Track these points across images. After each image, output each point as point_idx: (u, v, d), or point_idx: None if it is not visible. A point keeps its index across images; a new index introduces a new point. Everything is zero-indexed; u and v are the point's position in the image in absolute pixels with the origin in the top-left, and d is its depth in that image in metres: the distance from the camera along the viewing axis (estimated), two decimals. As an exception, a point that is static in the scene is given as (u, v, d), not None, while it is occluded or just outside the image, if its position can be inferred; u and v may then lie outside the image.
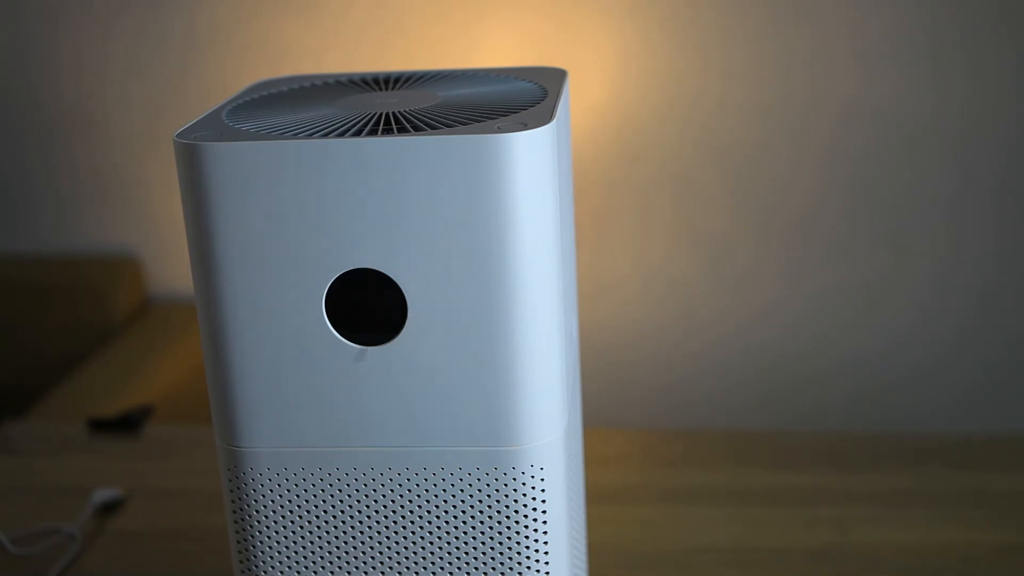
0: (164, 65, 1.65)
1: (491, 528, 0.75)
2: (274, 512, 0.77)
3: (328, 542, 0.77)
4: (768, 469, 1.25)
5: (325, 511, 0.76)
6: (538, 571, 0.76)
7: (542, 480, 0.74)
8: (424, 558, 0.76)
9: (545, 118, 0.70)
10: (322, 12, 1.58)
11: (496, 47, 1.56)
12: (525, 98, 0.78)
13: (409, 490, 0.75)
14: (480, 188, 0.67)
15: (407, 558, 0.76)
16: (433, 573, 0.77)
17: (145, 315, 1.98)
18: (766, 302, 1.64)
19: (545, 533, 0.75)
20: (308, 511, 0.76)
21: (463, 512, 0.75)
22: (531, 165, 0.68)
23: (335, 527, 0.76)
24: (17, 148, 1.74)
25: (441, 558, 0.76)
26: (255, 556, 0.78)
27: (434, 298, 0.70)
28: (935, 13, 1.50)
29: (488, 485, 0.74)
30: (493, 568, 0.76)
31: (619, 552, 1.09)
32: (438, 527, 0.75)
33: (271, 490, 0.76)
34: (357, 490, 0.75)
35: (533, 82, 0.83)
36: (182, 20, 1.63)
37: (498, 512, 0.74)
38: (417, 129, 0.69)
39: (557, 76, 0.85)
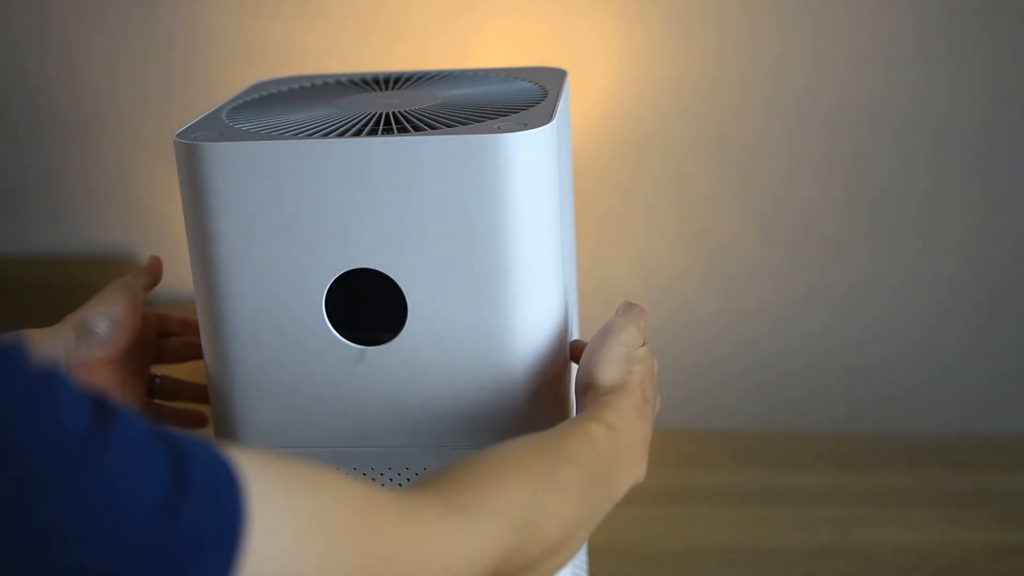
0: (165, 65, 1.65)
1: (491, 528, 0.75)
2: (274, 512, 0.77)
3: (328, 542, 0.77)
4: (768, 469, 1.25)
5: (325, 511, 0.76)
6: (538, 571, 0.76)
7: (542, 480, 0.74)
8: (424, 558, 0.76)
9: (545, 118, 0.70)
10: (322, 12, 1.58)
11: (496, 47, 1.56)
12: (525, 98, 0.77)
13: (409, 490, 0.75)
14: (480, 188, 0.67)
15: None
16: (433, 573, 0.77)
17: (145, 315, 1.96)
18: (766, 300, 1.64)
19: (545, 533, 0.75)
20: (308, 511, 0.76)
21: (463, 512, 0.74)
22: (531, 165, 0.68)
23: (335, 527, 0.76)
24: (17, 148, 1.74)
25: (441, 558, 0.76)
26: (255, 556, 0.78)
27: (434, 298, 0.70)
28: (939, 9, 1.51)
29: (488, 485, 0.73)
30: (493, 568, 0.76)
31: (619, 552, 1.09)
32: (438, 527, 0.75)
33: (271, 490, 0.76)
34: (357, 490, 0.75)
35: (533, 82, 0.83)
36: (182, 20, 1.63)
37: (498, 512, 0.74)
38: (417, 129, 0.69)
39: (557, 76, 0.85)
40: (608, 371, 0.70)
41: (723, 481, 1.22)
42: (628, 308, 0.74)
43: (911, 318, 1.63)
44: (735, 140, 1.57)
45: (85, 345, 0.75)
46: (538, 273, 0.70)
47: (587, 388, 0.70)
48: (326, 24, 1.58)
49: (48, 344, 0.74)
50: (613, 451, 0.65)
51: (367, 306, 0.72)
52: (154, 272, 0.83)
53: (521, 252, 0.69)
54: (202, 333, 0.74)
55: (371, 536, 0.49)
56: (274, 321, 0.71)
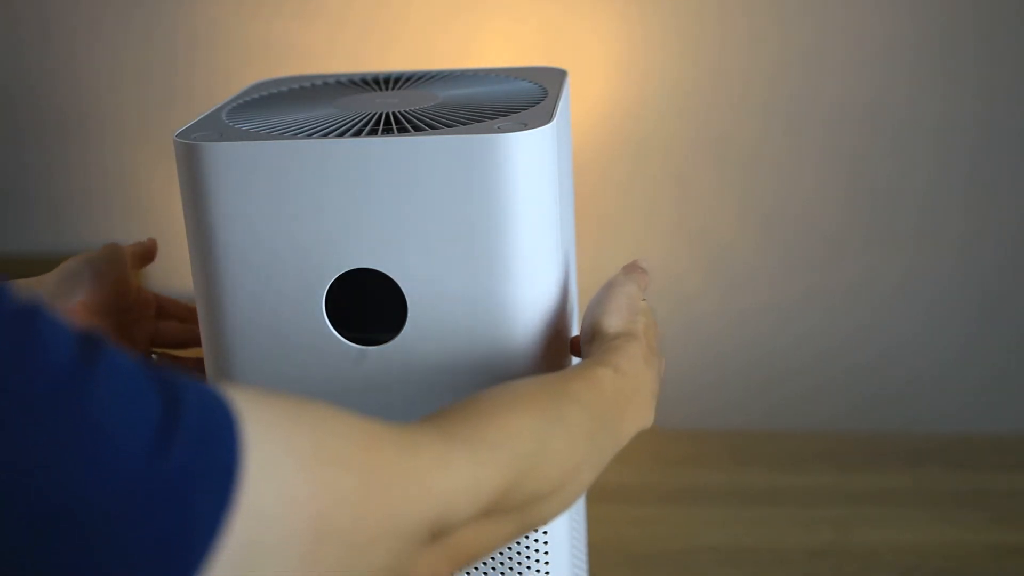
0: (165, 65, 1.65)
1: (491, 528, 0.75)
2: (274, 512, 0.76)
3: (328, 542, 0.77)
4: (768, 469, 1.25)
5: (325, 511, 0.76)
6: (538, 571, 0.76)
7: (542, 480, 0.74)
8: (424, 558, 0.76)
9: (545, 118, 0.70)
10: (322, 12, 1.58)
11: (496, 47, 1.56)
12: (525, 98, 0.77)
13: (409, 490, 0.74)
14: (480, 188, 0.67)
15: None
16: (433, 573, 0.77)
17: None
18: (766, 300, 1.64)
19: (545, 533, 0.75)
20: (308, 511, 0.76)
21: (463, 512, 0.74)
22: (531, 165, 0.68)
23: (335, 527, 0.76)
24: (17, 148, 1.74)
25: (441, 558, 0.76)
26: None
27: (434, 298, 0.70)
28: (937, 10, 1.51)
29: (488, 485, 0.73)
30: (493, 568, 0.76)
31: (619, 552, 1.09)
32: (438, 527, 0.75)
33: (271, 490, 0.76)
34: (357, 490, 0.75)
35: (533, 82, 0.83)
36: (183, 20, 1.63)
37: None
38: (417, 129, 0.69)
39: (557, 76, 0.85)
40: (613, 319, 0.70)
41: (723, 481, 1.22)
42: (630, 267, 0.76)
43: (910, 317, 1.63)
44: (735, 140, 1.57)
45: (67, 289, 0.77)
46: (538, 273, 0.70)
47: (593, 336, 0.70)
48: (326, 24, 1.58)
49: (30, 292, 0.75)
50: (620, 394, 0.65)
51: (367, 306, 0.72)
52: (147, 246, 0.86)
53: (521, 252, 0.69)
54: (202, 333, 0.74)
55: (370, 467, 0.48)
56: (274, 321, 0.71)
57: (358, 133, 0.69)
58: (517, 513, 0.57)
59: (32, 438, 0.38)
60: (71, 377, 0.39)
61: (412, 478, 0.50)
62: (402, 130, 0.69)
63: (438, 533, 0.51)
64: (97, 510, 0.38)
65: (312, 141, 0.67)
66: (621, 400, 0.65)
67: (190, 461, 0.40)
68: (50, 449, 0.38)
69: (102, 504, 0.39)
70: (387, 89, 0.84)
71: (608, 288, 0.73)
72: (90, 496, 0.38)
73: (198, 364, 0.84)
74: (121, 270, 0.80)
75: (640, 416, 0.68)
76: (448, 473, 0.52)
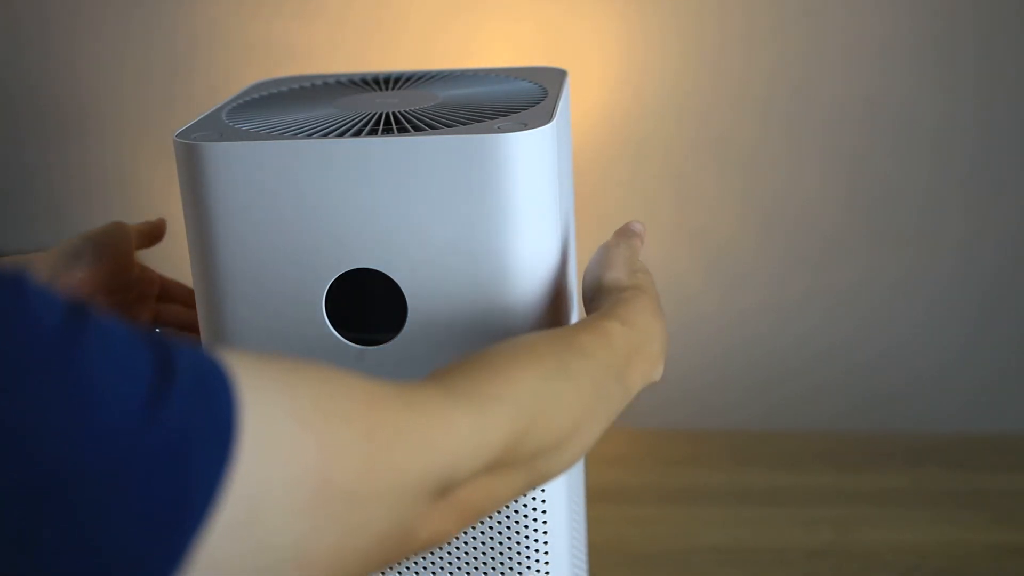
0: (165, 65, 1.65)
1: (491, 528, 0.75)
2: (274, 512, 0.76)
3: (328, 542, 0.77)
4: (768, 469, 1.25)
5: (325, 511, 0.76)
6: (538, 571, 0.76)
7: (542, 480, 0.74)
8: (425, 558, 0.76)
9: (545, 118, 0.70)
10: (323, 12, 1.58)
11: (496, 47, 1.57)
12: (525, 98, 0.77)
13: (409, 490, 0.74)
14: (480, 188, 0.67)
15: (408, 559, 0.76)
16: (433, 573, 0.77)
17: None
18: (766, 299, 1.64)
19: (545, 533, 0.75)
20: (308, 511, 0.76)
21: (463, 512, 0.74)
22: (531, 165, 0.68)
23: (335, 527, 0.76)
24: (17, 147, 1.74)
25: (442, 558, 0.76)
26: (255, 556, 0.78)
27: (434, 298, 0.70)
28: (936, 9, 1.51)
29: (488, 485, 0.73)
30: (493, 568, 0.76)
31: (619, 552, 1.09)
32: (438, 527, 0.75)
33: (271, 490, 0.76)
34: (357, 490, 0.75)
35: (533, 82, 0.83)
36: (183, 20, 1.63)
37: (498, 512, 0.74)
38: (417, 129, 0.69)
39: (557, 76, 0.85)
40: (614, 273, 0.70)
41: (723, 481, 1.22)
42: (622, 231, 0.76)
43: (910, 317, 1.63)
44: (735, 140, 1.57)
45: (67, 265, 0.77)
46: (538, 273, 0.70)
47: (595, 293, 0.70)
48: (326, 24, 1.58)
49: (31, 267, 0.75)
50: (628, 346, 0.64)
51: (367, 306, 0.72)
52: (155, 224, 0.86)
53: (521, 252, 0.69)
54: (202, 332, 0.74)
55: (373, 424, 0.48)
56: (274, 321, 0.71)
57: (358, 133, 0.69)
58: (524, 467, 0.56)
59: (22, 404, 0.37)
60: (60, 341, 0.39)
61: (416, 434, 0.49)
62: (402, 130, 0.69)
63: (444, 489, 0.51)
64: (90, 474, 0.38)
65: (312, 141, 0.67)
66: (629, 352, 0.64)
67: (184, 421, 0.40)
68: (41, 414, 0.37)
69: (95, 468, 0.38)
70: (387, 89, 0.84)
71: (603, 249, 0.73)
72: (83, 460, 0.38)
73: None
74: (124, 247, 0.80)
75: (649, 368, 0.67)
76: (452, 428, 0.51)
